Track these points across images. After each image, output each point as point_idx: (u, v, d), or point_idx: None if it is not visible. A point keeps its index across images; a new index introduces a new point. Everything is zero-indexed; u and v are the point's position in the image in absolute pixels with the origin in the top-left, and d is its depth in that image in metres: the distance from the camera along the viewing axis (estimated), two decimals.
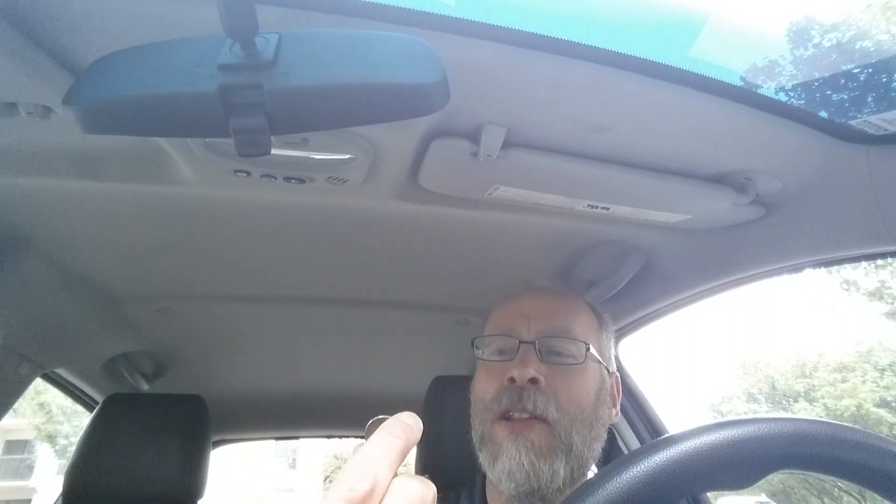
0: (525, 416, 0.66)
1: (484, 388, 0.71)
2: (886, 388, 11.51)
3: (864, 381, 11.72)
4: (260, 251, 0.92)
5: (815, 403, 12.08)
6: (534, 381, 0.66)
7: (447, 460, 0.88)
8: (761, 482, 0.38)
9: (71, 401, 1.38)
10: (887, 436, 0.39)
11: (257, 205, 0.77)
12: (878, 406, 11.16)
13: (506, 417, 0.67)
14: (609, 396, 0.74)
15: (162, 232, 0.83)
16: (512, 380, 0.66)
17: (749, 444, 0.37)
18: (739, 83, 0.58)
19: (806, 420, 0.39)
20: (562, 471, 0.64)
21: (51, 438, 13.99)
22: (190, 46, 0.35)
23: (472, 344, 0.75)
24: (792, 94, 0.61)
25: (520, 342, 0.69)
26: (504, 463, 0.64)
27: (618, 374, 0.78)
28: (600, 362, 0.73)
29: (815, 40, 0.58)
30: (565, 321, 0.72)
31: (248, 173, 0.66)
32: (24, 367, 0.93)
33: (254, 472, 16.43)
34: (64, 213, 0.76)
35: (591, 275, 1.02)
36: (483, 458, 0.69)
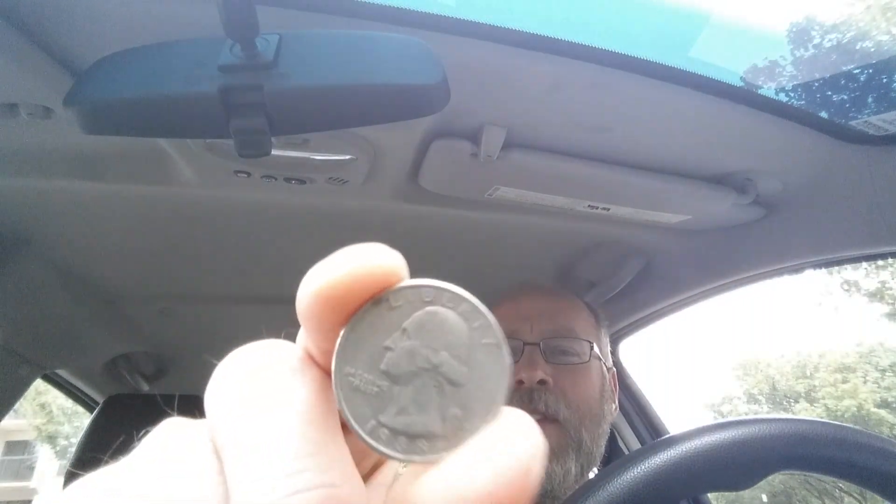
0: (536, 417, 0.66)
1: None
2: (887, 388, 11.50)
3: (864, 382, 11.71)
4: (260, 252, 0.91)
5: (815, 404, 12.06)
6: (542, 382, 0.66)
7: None
8: (762, 482, 0.38)
9: (71, 402, 1.38)
10: (888, 436, 0.39)
11: (258, 206, 0.77)
12: (879, 407, 11.15)
13: None
14: (610, 392, 0.74)
15: (162, 232, 0.83)
16: (521, 382, 0.66)
17: (750, 445, 0.37)
18: (739, 83, 0.58)
19: (807, 421, 0.39)
20: (573, 469, 0.64)
21: (51, 439, 13.99)
22: (191, 47, 0.35)
23: None
24: (792, 95, 0.61)
25: (524, 344, 0.69)
26: None
27: (614, 370, 0.78)
28: (601, 359, 0.73)
29: (816, 41, 0.58)
30: (567, 320, 0.72)
31: (249, 174, 0.66)
32: (24, 368, 0.93)
33: None
34: (64, 213, 0.76)
35: (591, 275, 1.02)
36: None
